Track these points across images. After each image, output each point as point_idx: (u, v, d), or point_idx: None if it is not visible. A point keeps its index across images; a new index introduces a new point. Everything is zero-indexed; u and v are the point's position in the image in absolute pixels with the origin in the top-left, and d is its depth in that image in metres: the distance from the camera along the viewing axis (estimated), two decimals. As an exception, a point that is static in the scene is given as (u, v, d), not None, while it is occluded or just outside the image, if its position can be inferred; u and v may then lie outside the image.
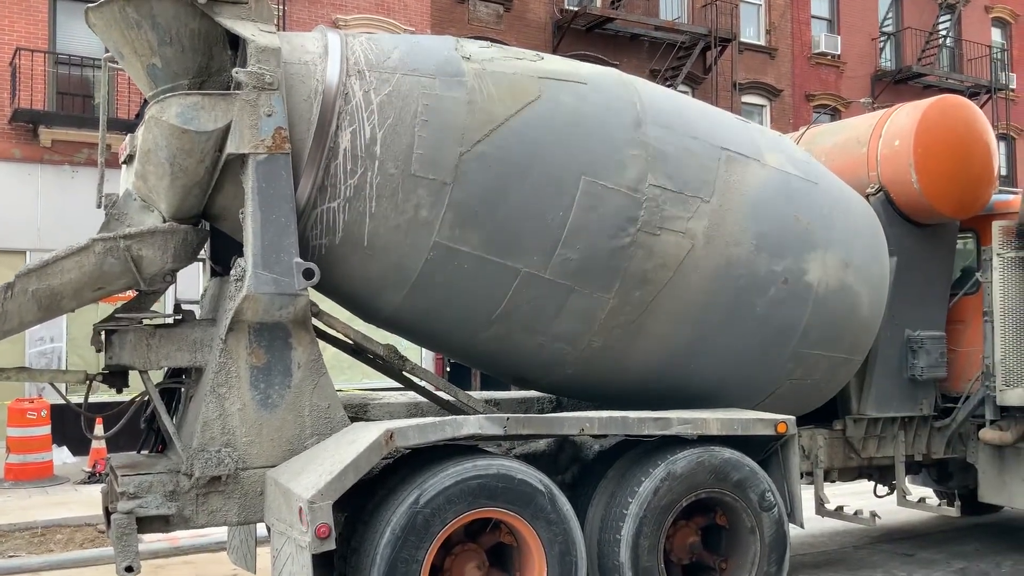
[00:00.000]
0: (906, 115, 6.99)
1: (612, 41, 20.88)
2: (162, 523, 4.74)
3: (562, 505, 4.90)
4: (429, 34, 17.62)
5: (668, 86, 19.65)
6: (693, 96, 20.77)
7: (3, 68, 14.47)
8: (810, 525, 6.51)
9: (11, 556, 7.97)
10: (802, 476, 6.31)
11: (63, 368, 13.68)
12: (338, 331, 5.36)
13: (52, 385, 5.23)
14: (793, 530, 5.77)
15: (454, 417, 4.87)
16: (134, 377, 5.22)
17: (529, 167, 5.05)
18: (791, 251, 5.77)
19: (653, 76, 20.44)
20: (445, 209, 4.96)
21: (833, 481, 7.11)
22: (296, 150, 4.90)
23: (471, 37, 17.70)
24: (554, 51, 19.58)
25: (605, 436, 5.48)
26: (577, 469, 5.74)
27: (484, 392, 7.04)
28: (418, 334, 5.60)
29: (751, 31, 23.46)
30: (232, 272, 4.91)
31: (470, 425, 4.77)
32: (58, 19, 15.06)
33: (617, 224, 5.21)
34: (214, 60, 5.01)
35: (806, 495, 6.02)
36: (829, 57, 24.16)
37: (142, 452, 5.50)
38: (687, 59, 20.97)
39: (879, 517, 6.67)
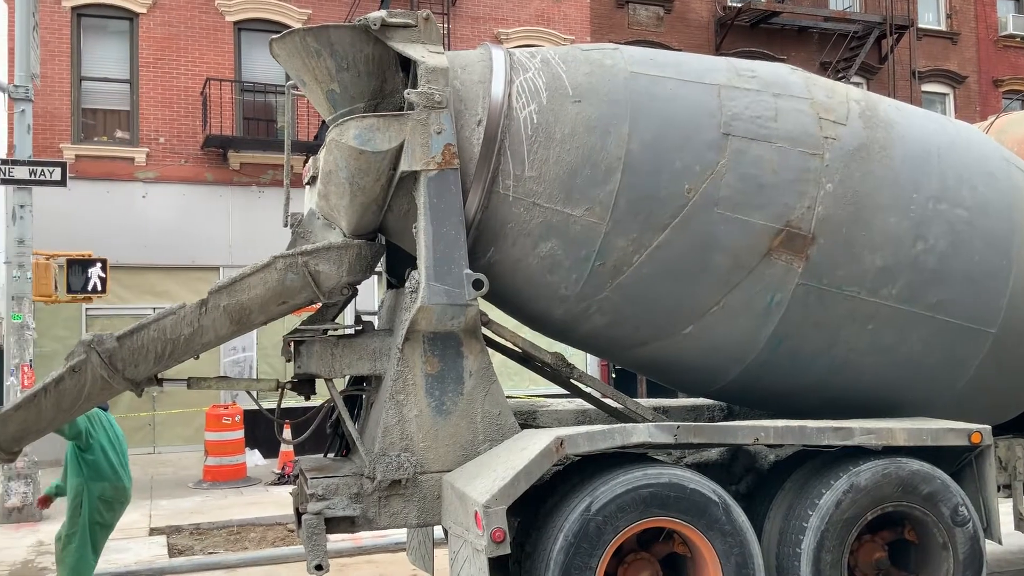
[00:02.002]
0: (1111, 97, 6.39)
1: (778, 35, 20.23)
2: (348, 524, 4.98)
3: (737, 516, 4.79)
4: (589, 41, 17.68)
5: (840, 78, 18.84)
6: (868, 88, 19.81)
7: (195, 97, 15.70)
8: (1008, 541, 6.05)
9: (211, 553, 8.60)
10: (999, 489, 5.88)
11: (255, 377, 14.64)
12: (506, 339, 5.48)
13: (248, 392, 5.62)
14: (989, 546, 5.38)
15: (623, 425, 4.86)
16: (320, 385, 5.53)
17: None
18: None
19: (824, 69, 19.64)
20: None
21: (1035, 495, 6.57)
22: (464, 165, 5.06)
23: (631, 42, 17.66)
24: (717, 50, 19.18)
25: (781, 446, 5.30)
26: (752, 479, 5.59)
27: (652, 399, 6.98)
28: (651, 197, 5.08)
29: (930, 16, 22.11)
30: (407, 284, 5.12)
31: (640, 433, 4.75)
32: (243, 49, 16.19)
33: None
34: (387, 82, 5.24)
35: (1004, 509, 5.62)
36: (1018, 39, 22.39)
37: (328, 456, 5.81)
38: (860, 49, 20.02)
39: (1090, 535, 6.12)
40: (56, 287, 10.81)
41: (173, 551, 8.59)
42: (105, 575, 7.08)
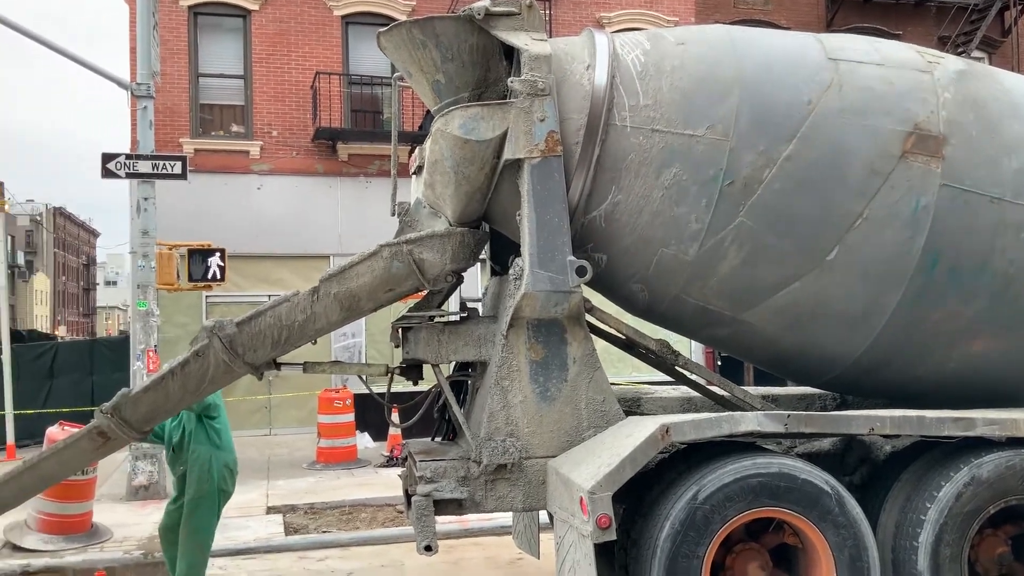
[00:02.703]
0: None
1: (893, 10, 19.42)
2: (456, 506, 5.08)
3: (851, 508, 4.66)
4: (693, 23, 17.37)
5: (960, 53, 17.96)
6: (990, 63, 18.83)
7: (306, 91, 16.16)
8: None
9: (324, 531, 8.90)
10: None
11: (365, 362, 15.03)
12: (610, 326, 5.46)
13: (359, 377, 5.78)
14: None
15: (731, 413, 4.79)
16: (427, 370, 5.64)
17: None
18: None
19: (942, 44, 18.75)
20: None
21: None
22: (567, 151, 5.07)
23: (737, 22, 17.24)
24: (827, 27, 18.56)
25: (898, 436, 5.13)
26: (866, 471, 5.43)
27: (759, 388, 6.84)
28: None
29: (1060, -17, 20.80)
30: (511, 271, 5.16)
31: (748, 422, 4.67)
32: (350, 43, 16.56)
33: None
34: (491, 71, 5.29)
35: None
36: None
37: (435, 439, 5.93)
38: (981, 22, 19.02)
39: None
40: (178, 276, 11.34)
41: (289, 529, 8.92)
42: (225, 551, 7.42)
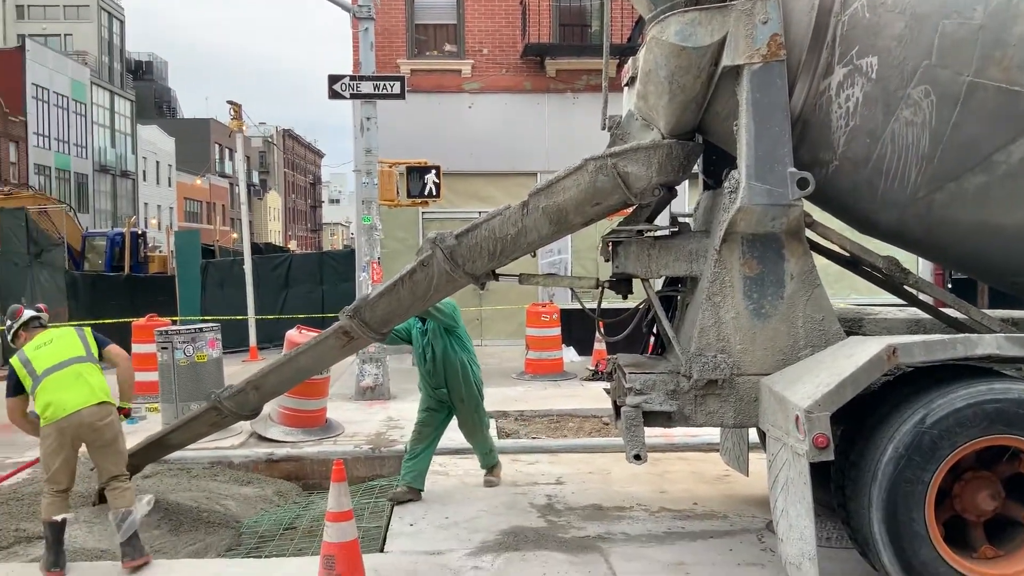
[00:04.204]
0: None
1: None
2: (664, 419, 5.12)
3: (1100, 440, 4.26)
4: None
5: None
6: None
7: (515, 7, 16.17)
8: None
9: (535, 437, 9.24)
10: None
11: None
12: (833, 242, 5.21)
13: (571, 289, 5.89)
14: None
15: (967, 335, 4.48)
16: (636, 285, 5.64)
17: None
18: None
19: None
20: None
21: None
22: (791, 56, 4.79)
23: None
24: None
25: None
26: (1123, 402, 4.92)
27: (997, 310, 6.31)
28: None
29: None
30: (725, 184, 5.01)
31: (986, 344, 4.35)
32: (560, -46, 16.33)
33: None
34: (709, -27, 5.06)
35: None
36: None
37: (644, 354, 5.96)
38: None
39: None
40: (398, 192, 11.87)
41: (501, 433, 9.33)
42: (445, 449, 7.88)
